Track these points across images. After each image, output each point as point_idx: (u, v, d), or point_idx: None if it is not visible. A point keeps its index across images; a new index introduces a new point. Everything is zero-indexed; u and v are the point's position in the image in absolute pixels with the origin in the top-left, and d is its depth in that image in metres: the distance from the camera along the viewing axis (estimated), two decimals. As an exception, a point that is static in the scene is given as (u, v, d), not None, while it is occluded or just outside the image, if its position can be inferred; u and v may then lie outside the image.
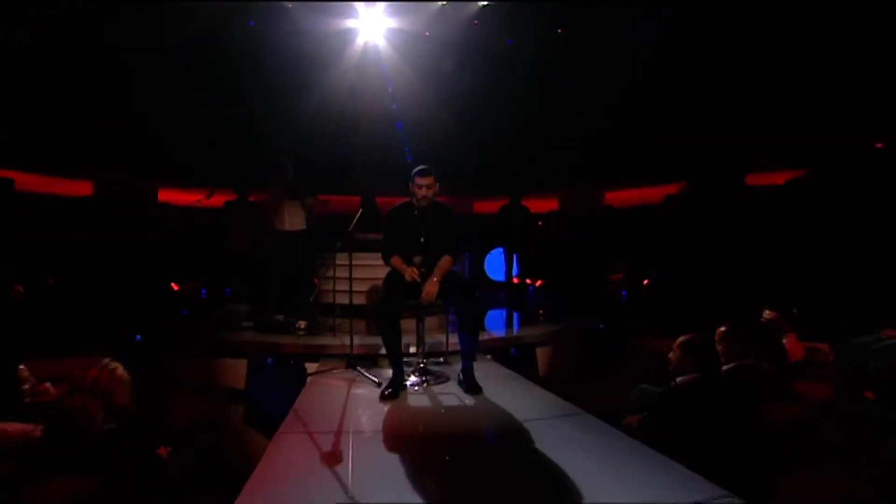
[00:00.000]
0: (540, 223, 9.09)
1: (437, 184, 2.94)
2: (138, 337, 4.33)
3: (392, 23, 9.33)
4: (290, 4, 7.59)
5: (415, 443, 2.12)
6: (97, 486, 1.73)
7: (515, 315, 5.88)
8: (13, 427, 1.97)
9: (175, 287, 9.08)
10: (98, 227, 7.73)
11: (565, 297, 7.64)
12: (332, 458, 1.90)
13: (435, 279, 2.79)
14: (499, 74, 10.02)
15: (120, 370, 2.03)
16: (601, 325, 5.35)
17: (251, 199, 6.54)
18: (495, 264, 7.02)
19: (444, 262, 2.88)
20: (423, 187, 2.89)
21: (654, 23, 6.63)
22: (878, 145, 6.80)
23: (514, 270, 6.63)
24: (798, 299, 4.52)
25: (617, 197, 9.60)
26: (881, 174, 6.10)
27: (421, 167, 2.95)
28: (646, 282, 8.67)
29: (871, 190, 5.97)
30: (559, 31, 9.53)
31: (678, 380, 2.39)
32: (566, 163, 10.30)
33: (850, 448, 2.21)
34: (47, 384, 2.27)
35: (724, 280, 6.10)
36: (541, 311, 6.07)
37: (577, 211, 9.71)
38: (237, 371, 3.82)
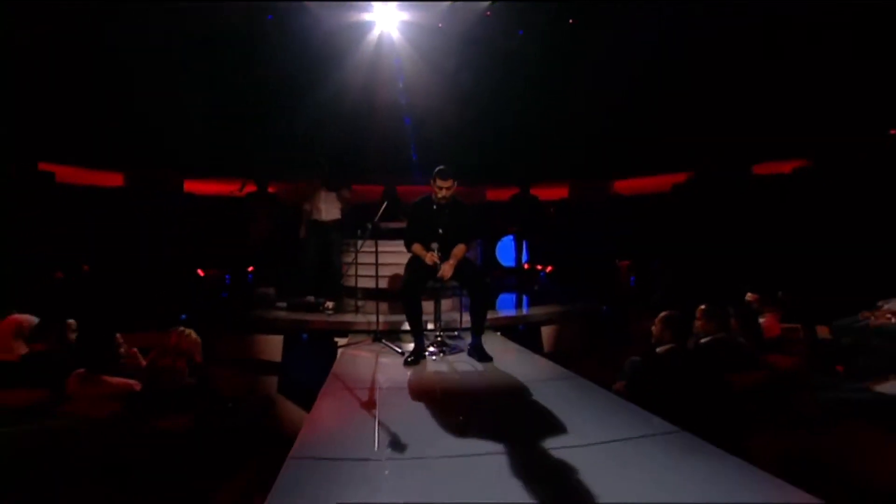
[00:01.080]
0: (552, 209, 9.45)
1: (456, 183, 3.38)
2: (183, 316, 4.88)
3: (405, 16, 9.67)
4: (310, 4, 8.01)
5: (434, 397, 2.60)
6: (186, 424, 2.24)
7: (525, 298, 6.32)
8: (117, 380, 2.49)
9: (201, 273, 9.71)
10: (128, 216, 8.33)
11: (575, 283, 8.07)
12: (369, 406, 2.39)
13: (451, 262, 3.26)
14: (511, 67, 10.36)
15: (194, 334, 2.53)
16: (605, 308, 5.77)
17: (270, 190, 7.00)
18: (506, 251, 7.45)
19: (459, 249, 3.33)
20: (443, 188, 3.32)
21: (656, 21, 6.92)
22: (893, 132, 7.01)
23: (524, 257, 7.06)
24: (786, 284, 4.91)
25: (626, 185, 9.91)
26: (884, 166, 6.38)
27: (441, 169, 3.34)
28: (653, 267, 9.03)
29: (872, 181, 6.26)
30: (571, 21, 9.83)
31: (658, 349, 2.83)
32: (576, 153, 10.64)
33: (811, 412, 2.64)
34: (135, 349, 2.79)
35: (724, 266, 6.48)
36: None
37: (586, 199, 10.06)
38: (273, 345, 4.35)
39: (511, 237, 7.18)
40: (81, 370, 2.50)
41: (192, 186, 9.99)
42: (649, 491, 1.55)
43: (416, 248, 3.38)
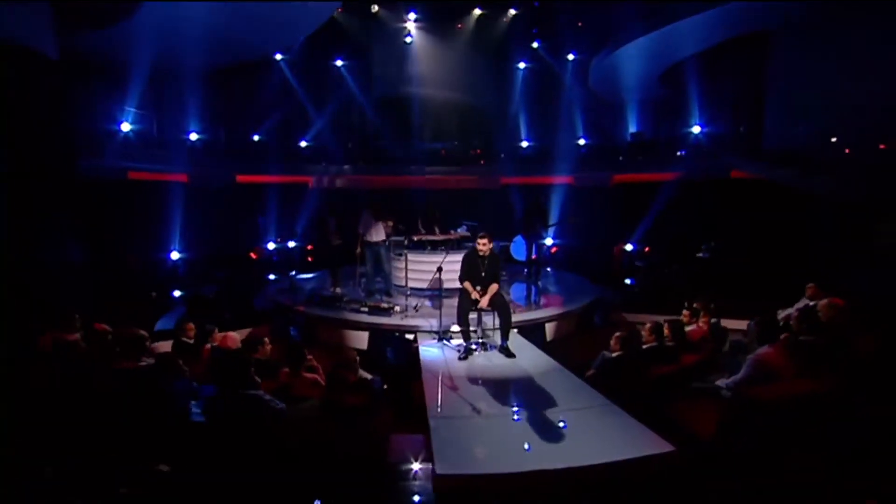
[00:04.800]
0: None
1: (491, 240, 5.52)
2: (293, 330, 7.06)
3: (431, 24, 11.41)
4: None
5: (472, 375, 4.92)
6: (364, 402, 4.52)
7: (534, 289, 8.55)
8: (309, 376, 4.76)
9: (253, 256, 12.00)
10: (192, 206, 10.51)
11: (576, 266, 10.34)
12: (449, 385, 4.70)
13: (488, 296, 5.46)
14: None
15: (354, 350, 4.76)
16: (597, 296, 8.00)
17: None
18: (519, 249, 9.61)
19: (493, 287, 5.51)
20: (481, 244, 5.48)
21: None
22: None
23: (533, 253, 9.17)
24: (721, 293, 7.13)
25: (624, 178, 11.90)
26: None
27: (480, 233, 5.51)
28: (647, 249, 11.29)
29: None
30: (579, 24, 11.47)
31: (613, 355, 5.09)
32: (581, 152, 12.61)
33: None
34: (311, 356, 5.04)
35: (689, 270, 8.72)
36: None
37: (588, 186, 12.09)
38: (359, 337, 6.65)
39: (522, 238, 9.29)
40: (287, 369, 4.77)
41: (243, 178, 12.08)
42: (577, 432, 3.84)
43: (466, 284, 5.56)
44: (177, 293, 9.52)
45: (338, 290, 7.94)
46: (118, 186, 9.31)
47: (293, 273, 8.96)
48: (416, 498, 3.39)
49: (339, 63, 13.02)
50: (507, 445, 3.71)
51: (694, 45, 9.45)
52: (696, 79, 10.11)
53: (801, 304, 5.89)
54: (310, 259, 12.44)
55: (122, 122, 9.70)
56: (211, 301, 7.65)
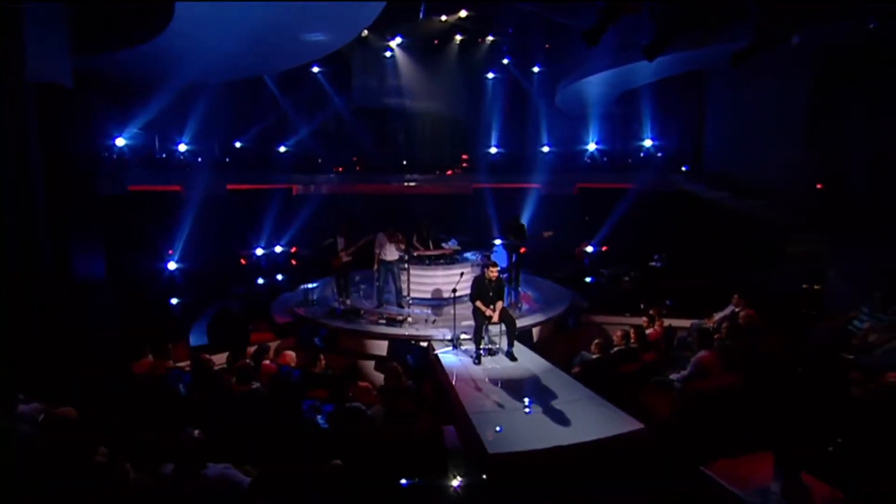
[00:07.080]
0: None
1: (498, 269, 7.13)
2: (317, 340, 8.37)
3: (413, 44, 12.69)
4: None
5: (490, 376, 6.59)
6: (410, 407, 6.06)
7: (514, 292, 10.28)
8: (364, 384, 6.22)
9: (243, 262, 13.04)
10: (186, 215, 11.42)
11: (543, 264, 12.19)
12: (473, 386, 6.34)
13: (497, 313, 7.10)
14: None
15: (399, 368, 6.25)
16: (568, 303, 9.89)
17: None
18: (500, 256, 11.32)
19: (499, 304, 7.16)
20: (492, 272, 7.08)
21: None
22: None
23: (514, 259, 10.91)
24: (674, 294, 9.14)
25: (587, 185, 13.86)
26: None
27: (492, 261, 7.12)
28: (605, 248, 13.37)
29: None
30: (547, 45, 13.11)
31: (593, 357, 6.91)
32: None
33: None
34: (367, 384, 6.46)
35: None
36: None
37: (553, 195, 13.95)
38: (379, 345, 8.14)
39: (502, 246, 11.03)
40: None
41: (232, 187, 12.99)
42: (575, 417, 5.59)
43: (478, 303, 7.17)
44: (174, 301, 10.52)
45: (348, 301, 9.32)
46: (120, 200, 10.07)
47: (305, 285, 9.90)
48: (474, 472, 4.98)
49: (315, 70, 13.93)
50: (528, 429, 5.40)
51: (647, 77, 11.32)
52: (649, 102, 12.06)
53: (727, 311, 7.93)
54: (293, 262, 13.64)
55: (117, 138, 10.38)
56: (236, 316, 8.82)
